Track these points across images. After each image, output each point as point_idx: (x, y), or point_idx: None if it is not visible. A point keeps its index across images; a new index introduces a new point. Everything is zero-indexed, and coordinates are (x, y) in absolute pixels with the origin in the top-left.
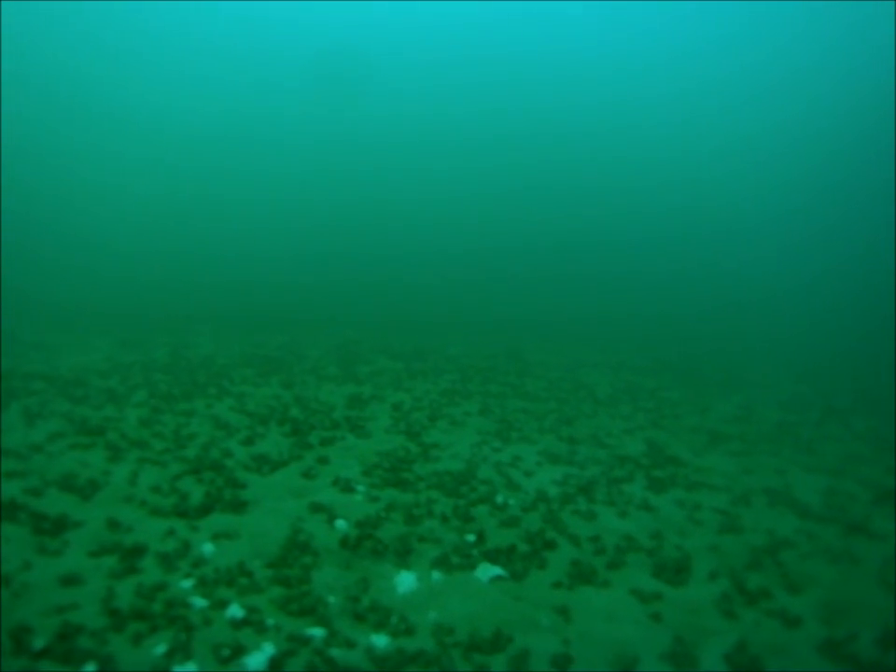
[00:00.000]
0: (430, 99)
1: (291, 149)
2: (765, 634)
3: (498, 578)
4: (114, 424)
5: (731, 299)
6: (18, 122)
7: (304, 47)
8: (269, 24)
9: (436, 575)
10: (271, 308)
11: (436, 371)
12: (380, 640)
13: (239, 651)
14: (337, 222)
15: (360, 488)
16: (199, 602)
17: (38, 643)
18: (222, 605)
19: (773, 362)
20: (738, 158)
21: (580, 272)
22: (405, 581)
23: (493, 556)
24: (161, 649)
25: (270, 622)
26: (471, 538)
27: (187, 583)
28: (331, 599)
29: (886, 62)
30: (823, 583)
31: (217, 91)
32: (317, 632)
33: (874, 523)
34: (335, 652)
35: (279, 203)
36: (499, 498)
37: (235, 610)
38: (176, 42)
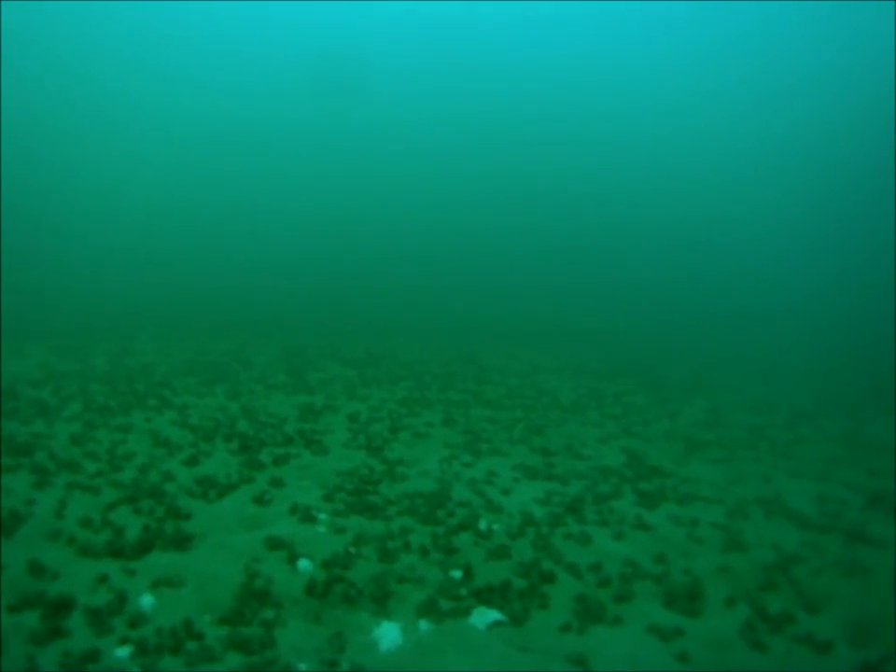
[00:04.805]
0: (421, 103)
1: (254, 150)
2: (799, 664)
3: (497, 623)
4: (43, 441)
5: (695, 306)
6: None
7: (301, 49)
8: (266, 26)
9: (424, 625)
10: (216, 312)
11: (391, 377)
12: None
13: None
14: (287, 226)
15: (322, 516)
16: None
17: None
18: None
19: (731, 367)
20: (723, 166)
21: (535, 280)
22: (388, 634)
23: (486, 597)
24: None
25: None
26: (458, 574)
27: (123, 652)
28: (302, 667)
29: (886, 70)
30: (842, 600)
31: (197, 90)
32: None
33: (871, 529)
34: None
35: (228, 203)
36: (482, 524)
37: None
38: (174, 44)
